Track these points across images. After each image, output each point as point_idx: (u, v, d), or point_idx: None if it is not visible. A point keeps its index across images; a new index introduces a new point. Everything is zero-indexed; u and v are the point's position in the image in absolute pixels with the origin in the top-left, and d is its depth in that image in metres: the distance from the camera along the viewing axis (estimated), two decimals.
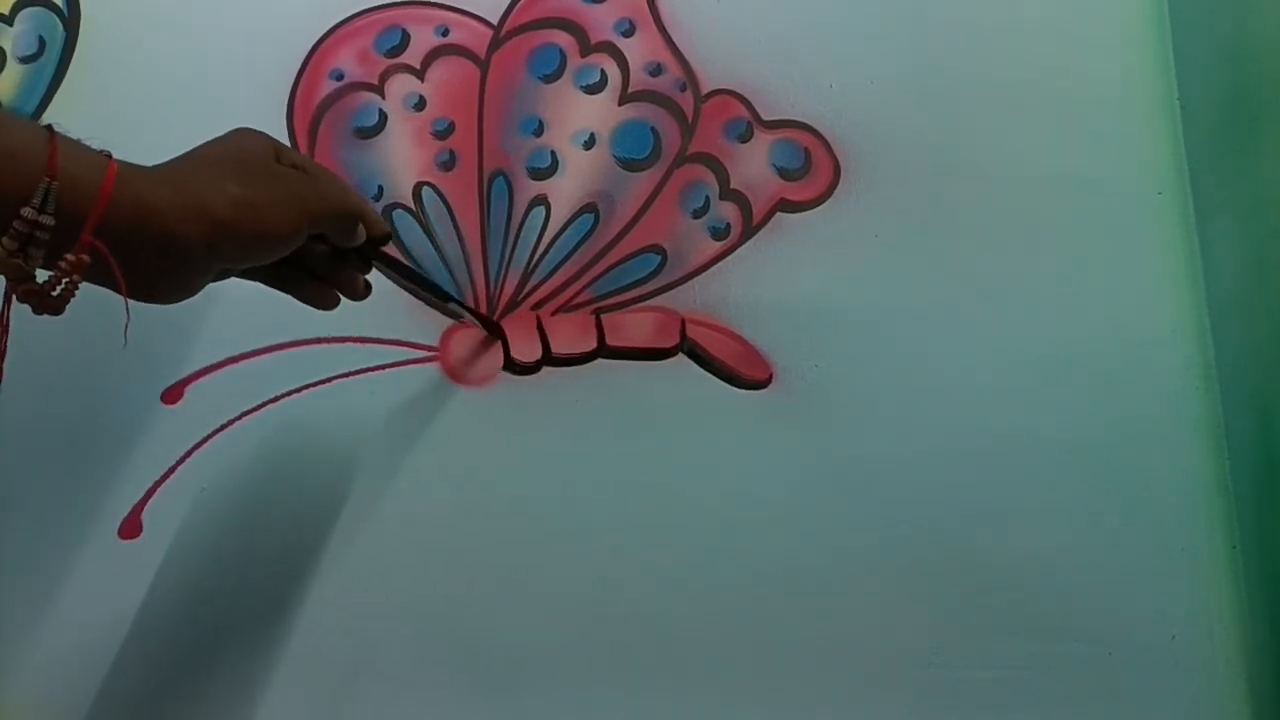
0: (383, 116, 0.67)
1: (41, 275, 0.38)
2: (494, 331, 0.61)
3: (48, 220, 0.36)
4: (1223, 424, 0.58)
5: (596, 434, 0.60)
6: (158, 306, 0.42)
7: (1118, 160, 0.64)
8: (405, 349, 0.62)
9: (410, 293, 0.60)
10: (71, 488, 0.60)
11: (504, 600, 0.57)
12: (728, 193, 0.65)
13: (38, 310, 0.38)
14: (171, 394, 0.61)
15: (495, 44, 0.69)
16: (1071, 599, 0.55)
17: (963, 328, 0.61)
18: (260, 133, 0.46)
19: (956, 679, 0.54)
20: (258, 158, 0.44)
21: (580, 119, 0.66)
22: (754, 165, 0.65)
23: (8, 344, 0.41)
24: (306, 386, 0.61)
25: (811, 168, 0.65)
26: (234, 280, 0.45)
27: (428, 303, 0.60)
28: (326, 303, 0.51)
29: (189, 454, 0.60)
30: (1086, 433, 0.58)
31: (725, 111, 0.66)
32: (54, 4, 0.72)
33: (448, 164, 0.66)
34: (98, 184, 0.37)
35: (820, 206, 0.64)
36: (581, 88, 0.67)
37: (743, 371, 0.60)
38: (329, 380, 0.61)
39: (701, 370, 0.61)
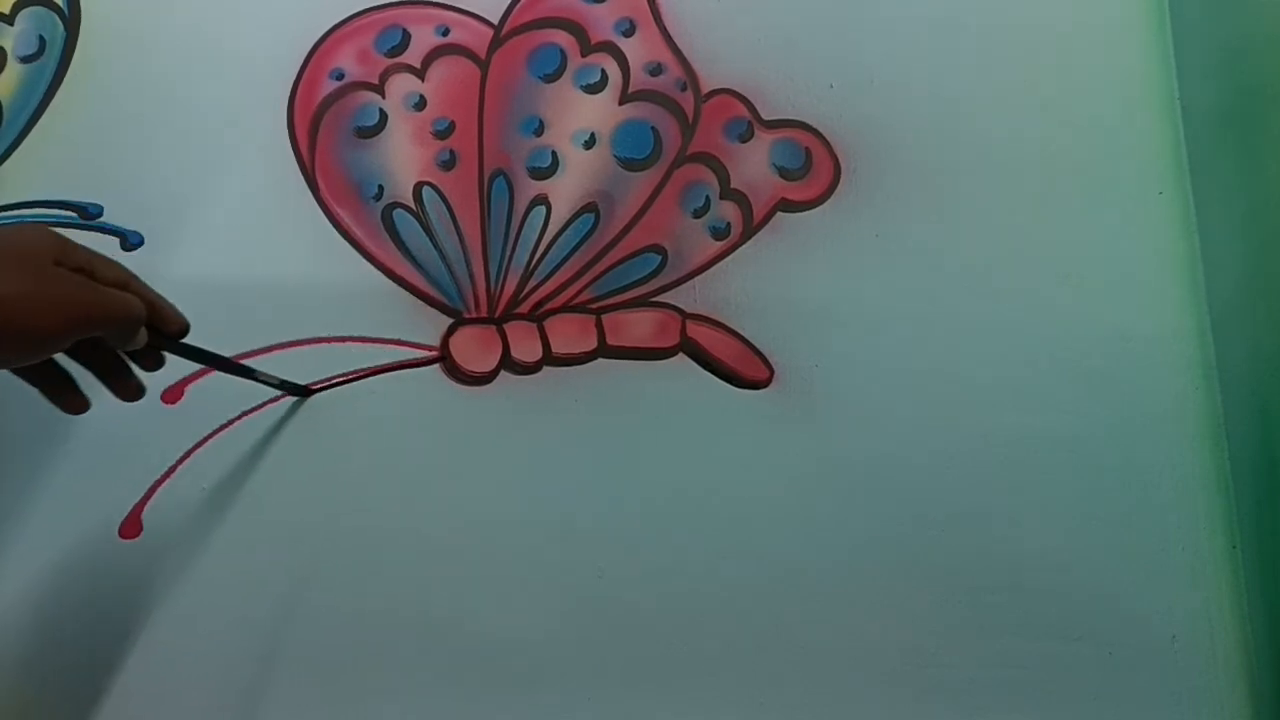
0: (383, 116, 0.67)
1: None
2: (303, 393, 0.60)
3: None
4: (1223, 424, 0.58)
5: (596, 434, 0.60)
6: None
7: (1118, 160, 0.64)
8: (405, 349, 0.62)
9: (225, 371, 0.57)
10: (71, 488, 0.60)
11: (504, 599, 0.57)
12: (728, 192, 0.65)
13: None
14: (171, 394, 0.61)
15: (495, 43, 0.69)
16: (1071, 599, 0.55)
17: (962, 327, 0.61)
18: (49, 230, 0.43)
19: (956, 679, 0.54)
20: (35, 256, 0.41)
21: (580, 119, 0.66)
22: (754, 165, 0.65)
23: None
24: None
25: (812, 167, 0.65)
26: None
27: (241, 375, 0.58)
28: (77, 407, 0.48)
29: (189, 454, 0.60)
30: (1086, 432, 0.58)
31: (726, 111, 0.66)
32: (54, 4, 0.73)
33: (448, 163, 0.66)
34: None
35: (820, 206, 0.64)
36: (582, 87, 0.67)
37: (743, 371, 0.60)
38: (329, 380, 0.61)
39: (701, 370, 0.61)
